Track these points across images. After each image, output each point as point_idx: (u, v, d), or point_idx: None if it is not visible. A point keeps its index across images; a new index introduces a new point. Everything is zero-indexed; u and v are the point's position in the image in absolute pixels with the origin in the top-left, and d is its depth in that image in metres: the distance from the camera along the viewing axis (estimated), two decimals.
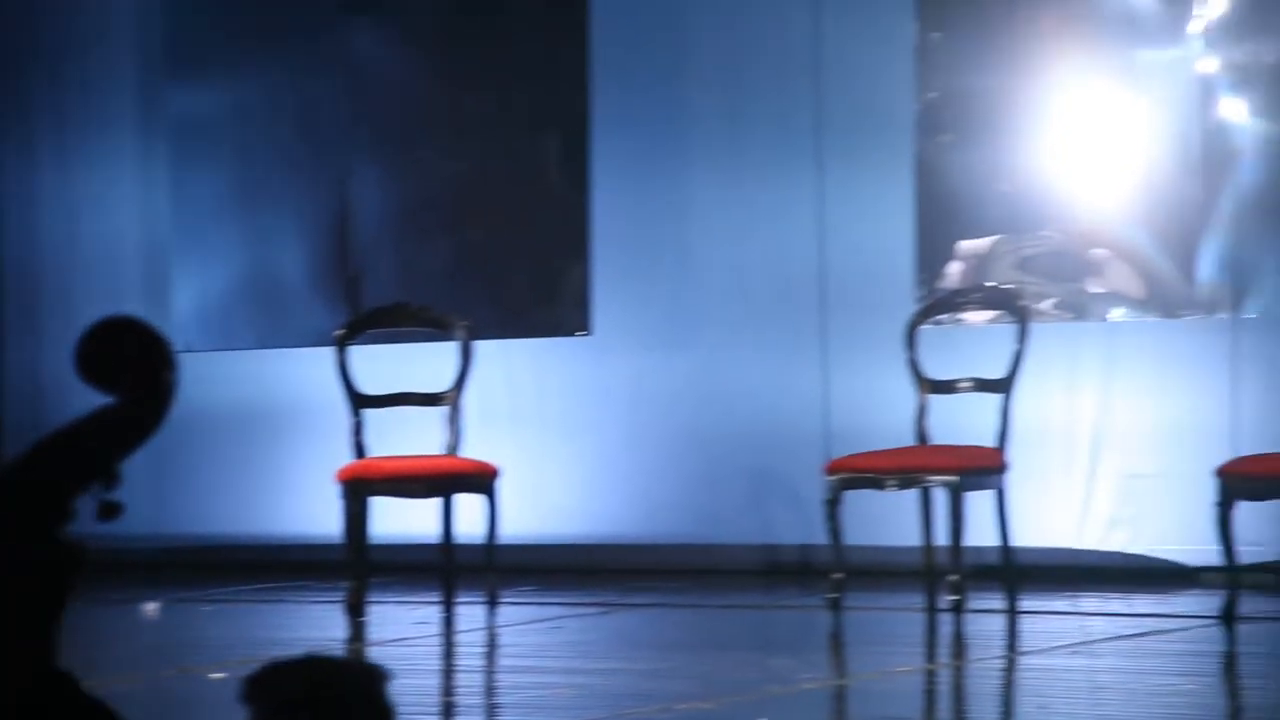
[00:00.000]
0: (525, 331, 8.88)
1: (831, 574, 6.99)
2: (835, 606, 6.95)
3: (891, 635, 6.97)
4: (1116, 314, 8.17)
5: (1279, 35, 7.86)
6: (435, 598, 7.43)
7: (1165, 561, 7.89)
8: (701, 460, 8.57)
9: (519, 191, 8.97)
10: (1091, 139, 8.13)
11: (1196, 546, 7.38)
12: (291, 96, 9.30)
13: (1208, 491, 6.42)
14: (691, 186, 8.63)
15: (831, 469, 7.04)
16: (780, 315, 8.44)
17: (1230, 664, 6.11)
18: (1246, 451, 6.66)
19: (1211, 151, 7.90)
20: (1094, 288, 8.18)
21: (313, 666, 2.40)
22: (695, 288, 8.61)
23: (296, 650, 2.48)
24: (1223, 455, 6.60)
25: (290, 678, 2.37)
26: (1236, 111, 7.92)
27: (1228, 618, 6.37)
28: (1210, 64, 7.93)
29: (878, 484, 6.97)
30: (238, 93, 9.39)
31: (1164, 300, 8.08)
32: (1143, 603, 7.43)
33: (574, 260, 8.81)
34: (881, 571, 7.75)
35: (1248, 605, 6.50)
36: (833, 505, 6.96)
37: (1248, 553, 6.59)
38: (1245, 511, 6.36)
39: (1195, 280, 7.98)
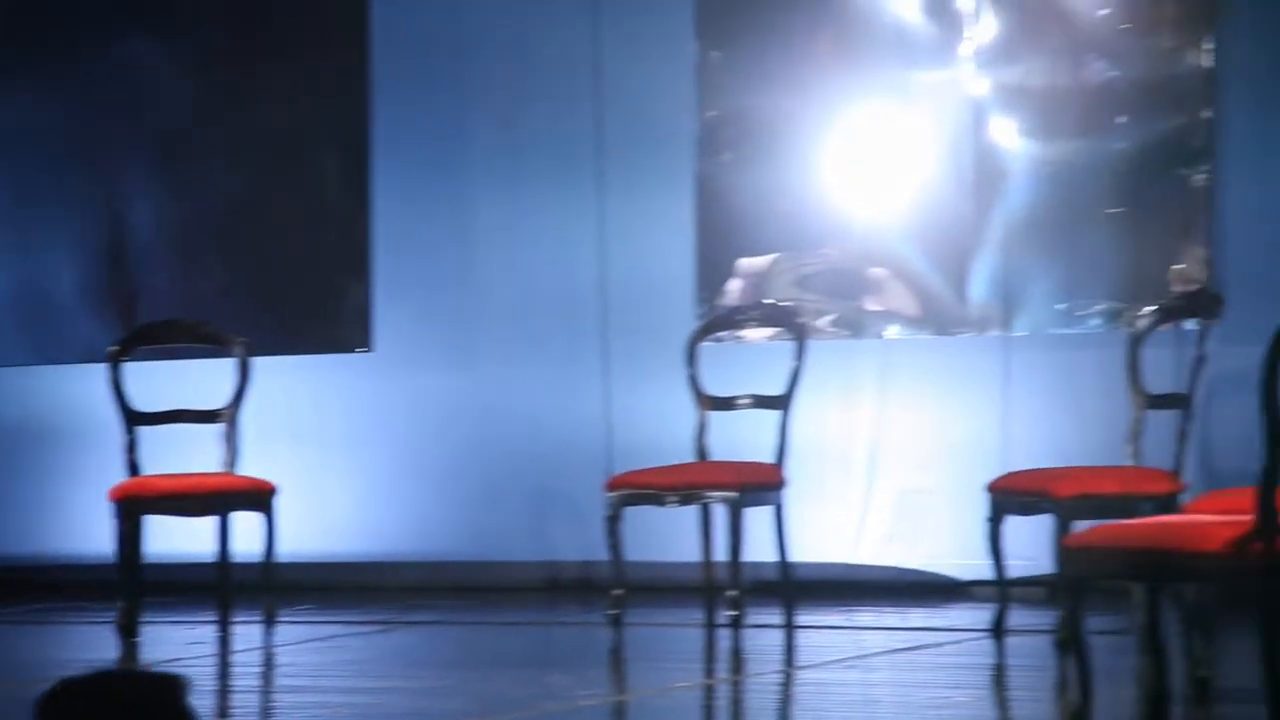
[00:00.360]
0: (305, 348, 8.80)
1: (612, 590, 7.00)
2: (616, 623, 6.96)
3: (671, 651, 7.00)
4: (892, 331, 8.29)
5: (1047, 58, 8.04)
6: (211, 617, 7.33)
7: (938, 576, 8.02)
8: (482, 477, 8.55)
9: (299, 208, 8.90)
10: (868, 158, 8.26)
11: (968, 561, 7.52)
12: (66, 110, 9.13)
13: (980, 506, 6.53)
14: (473, 205, 8.62)
15: (612, 485, 7.06)
16: (562, 333, 8.46)
17: (999, 676, 6.22)
18: (1017, 467, 6.79)
19: (983, 172, 8.06)
20: (870, 305, 8.30)
21: (109, 681, 2.34)
22: (477, 305, 8.60)
23: (68, 672, 2.42)
24: (994, 471, 6.72)
25: (87, 694, 2.31)
26: (1006, 133, 8.09)
27: (997, 631, 6.49)
28: (981, 85, 8.09)
29: (658, 500, 7.00)
30: (9, 105, 9.20)
31: (938, 318, 8.22)
32: (916, 616, 7.55)
33: (354, 277, 8.76)
34: (662, 587, 7.78)
35: (1017, 618, 6.62)
36: (613, 521, 6.98)
37: (1017, 567, 6.71)
38: (1014, 526, 6.48)
39: (968, 298, 8.13)
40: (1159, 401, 6.34)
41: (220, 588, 7.34)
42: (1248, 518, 4.20)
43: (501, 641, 7.46)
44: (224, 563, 7.34)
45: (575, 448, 8.35)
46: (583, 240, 8.43)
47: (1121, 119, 7.97)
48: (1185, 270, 7.82)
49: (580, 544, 8.15)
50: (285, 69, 8.86)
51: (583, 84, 8.42)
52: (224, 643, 7.16)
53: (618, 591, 6.96)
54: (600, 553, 7.21)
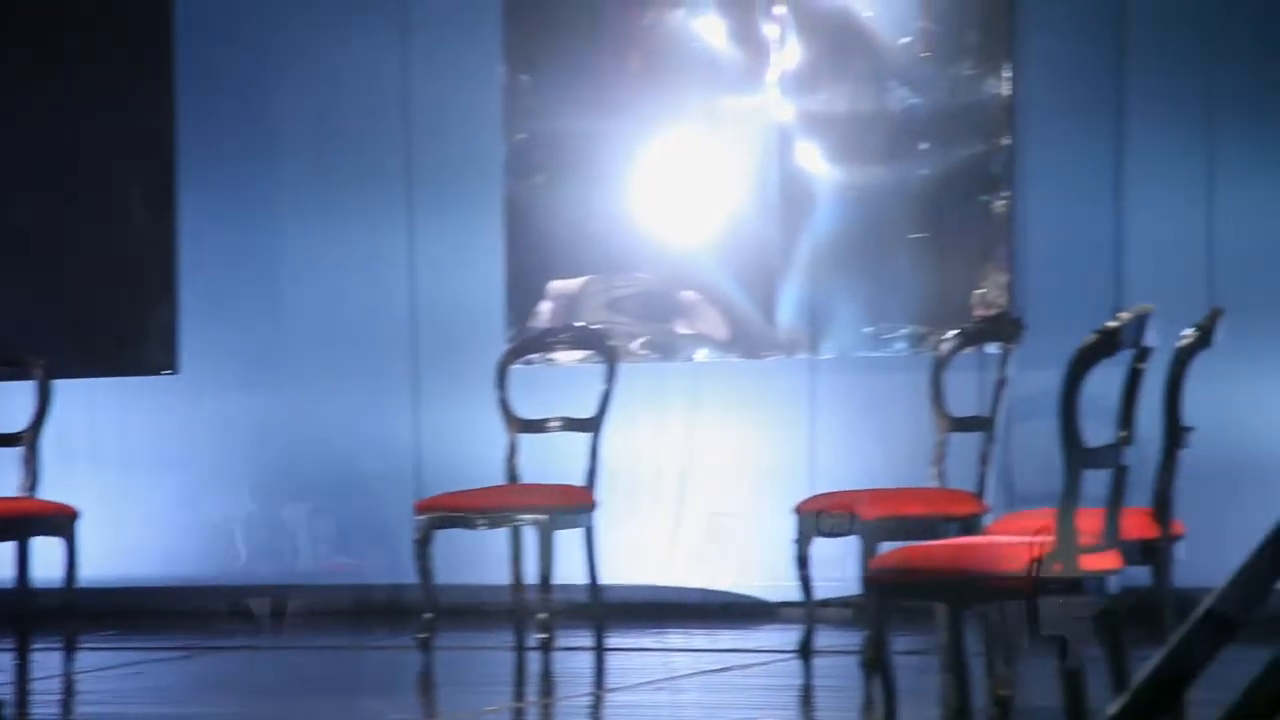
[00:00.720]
0: (109, 370, 8.66)
1: (422, 613, 6.97)
2: (425, 646, 6.93)
3: (481, 674, 6.98)
4: (702, 354, 8.35)
5: (851, 85, 8.15)
6: (10, 644, 7.18)
7: (747, 597, 8.09)
8: (291, 501, 8.48)
9: (103, 229, 8.76)
10: (677, 182, 8.32)
11: (776, 582, 7.59)
12: None
13: (788, 528, 6.59)
14: (281, 228, 8.56)
15: (421, 508, 7.02)
16: (371, 356, 8.41)
17: (806, 696, 6.28)
18: (823, 489, 6.86)
19: (789, 197, 8.16)
20: (680, 328, 8.35)
21: None
22: (286, 329, 8.53)
23: None
24: (802, 493, 6.78)
25: None
26: (812, 158, 8.19)
27: (805, 651, 6.55)
28: (787, 111, 8.19)
29: (468, 523, 6.97)
30: None
31: (747, 341, 8.29)
32: (725, 638, 7.60)
33: (160, 299, 8.64)
34: (472, 610, 7.76)
35: (824, 639, 6.69)
36: (423, 545, 6.93)
37: (824, 587, 6.78)
38: (821, 547, 6.55)
39: (776, 322, 8.21)
40: (962, 424, 6.45)
41: (19, 614, 7.18)
42: (1049, 538, 4.28)
43: (310, 666, 7.39)
44: (23, 589, 7.18)
45: (384, 471, 8.31)
46: (392, 263, 8.40)
47: (924, 145, 8.10)
48: (987, 294, 7.97)
49: (390, 567, 8.10)
50: (89, 88, 8.72)
51: (391, 107, 8.40)
52: (23, 670, 7.01)
53: (427, 615, 6.92)
54: (410, 576, 7.16)
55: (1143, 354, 4.45)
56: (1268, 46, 7.68)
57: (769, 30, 8.20)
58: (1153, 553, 5.01)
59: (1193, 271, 7.60)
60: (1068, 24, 7.96)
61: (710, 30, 8.27)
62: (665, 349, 8.36)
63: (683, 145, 8.32)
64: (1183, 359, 4.88)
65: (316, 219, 8.48)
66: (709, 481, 8.18)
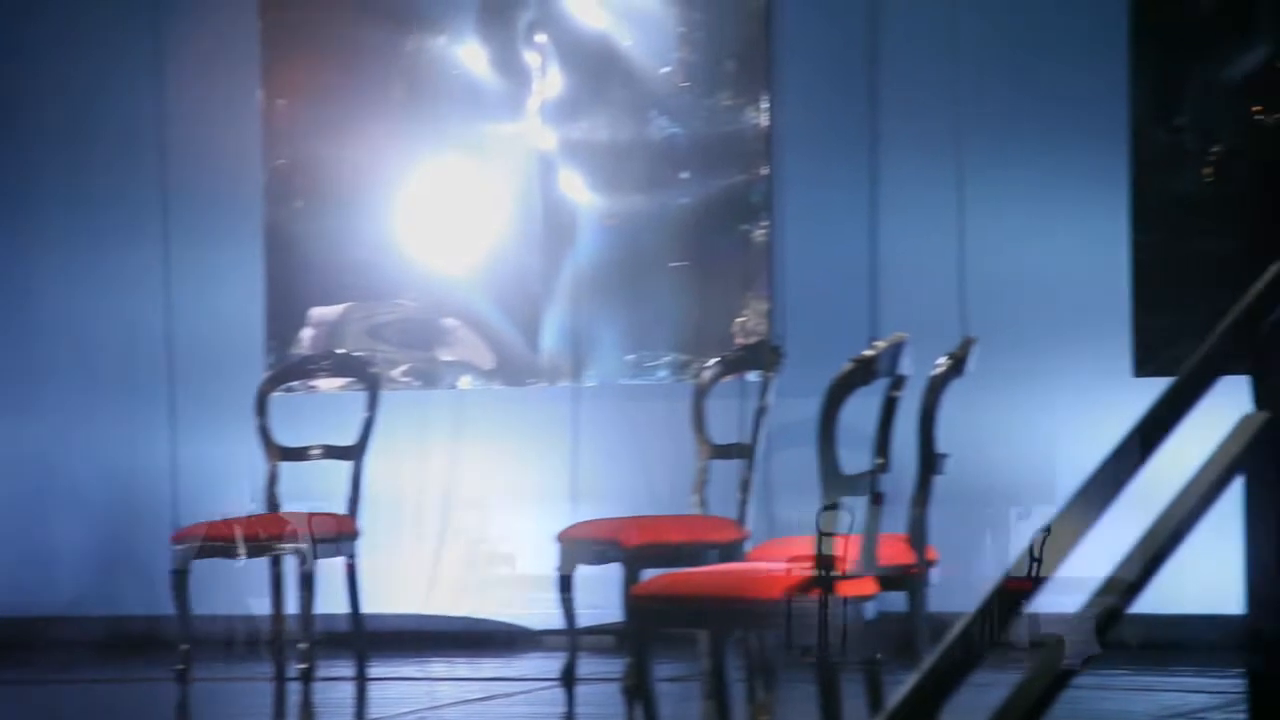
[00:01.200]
0: None
1: (180, 645, 6.86)
2: (183, 679, 6.81)
3: (241, 706, 6.89)
4: (465, 382, 8.34)
5: (611, 113, 8.21)
6: None
7: (510, 625, 8.09)
8: (44, 530, 8.30)
9: None
10: (439, 209, 8.30)
11: (540, 610, 7.60)
12: None
13: (551, 556, 6.60)
14: (35, 256, 8.39)
15: (178, 538, 6.91)
16: (127, 384, 8.28)
17: None
18: (586, 516, 6.88)
19: (551, 225, 8.19)
20: (443, 355, 8.33)
21: None
22: (38, 357, 8.36)
23: None
24: (565, 520, 6.80)
25: None
26: (574, 186, 8.23)
27: (568, 679, 6.56)
28: (548, 140, 8.22)
29: (227, 553, 6.87)
30: None
31: (510, 369, 8.30)
32: (488, 666, 7.59)
33: None
34: (232, 641, 7.65)
35: (587, 666, 6.70)
36: (180, 575, 6.82)
37: (587, 615, 6.80)
38: (584, 574, 6.57)
39: (539, 349, 8.23)
40: (723, 451, 6.51)
41: None
42: (807, 565, 4.35)
43: (64, 700, 7.24)
44: None
45: (141, 500, 8.18)
46: (149, 289, 8.27)
47: (684, 174, 8.19)
48: (747, 323, 8.07)
49: (146, 598, 7.96)
50: None
51: (147, 132, 8.28)
52: None
53: (185, 646, 6.81)
54: (167, 607, 7.05)
55: (898, 382, 4.54)
56: (1014, 81, 7.88)
57: (530, 58, 8.23)
58: (907, 579, 5.10)
59: (945, 300, 7.76)
60: (822, 58, 8.10)
61: (472, 58, 8.28)
62: (428, 376, 8.34)
63: (445, 172, 8.31)
64: (936, 387, 4.98)
65: (70, 248, 8.33)
66: (472, 509, 8.17)
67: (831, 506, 4.31)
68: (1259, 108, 7.61)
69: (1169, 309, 7.59)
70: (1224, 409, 3.16)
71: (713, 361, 6.74)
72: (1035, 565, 3.01)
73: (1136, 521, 3.03)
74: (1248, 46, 7.69)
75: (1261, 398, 4.81)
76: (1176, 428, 2.98)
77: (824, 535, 4.31)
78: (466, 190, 8.28)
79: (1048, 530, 3.00)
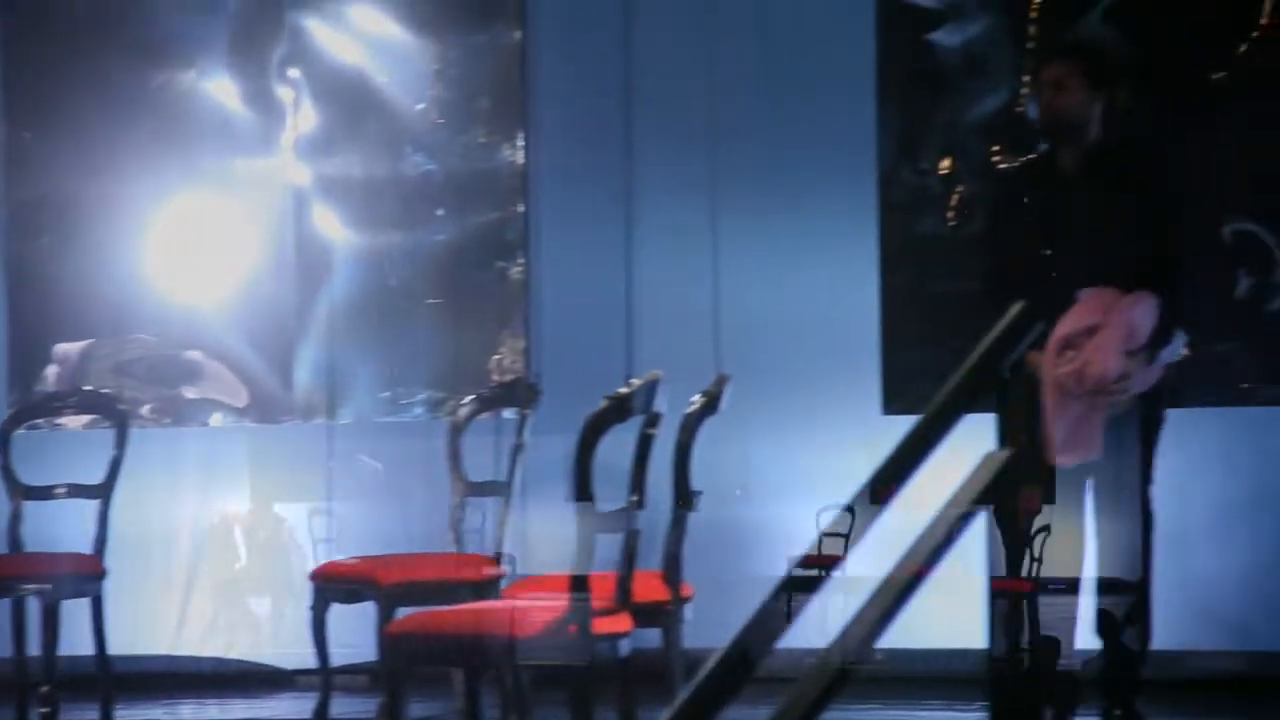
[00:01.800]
0: None
1: None
2: None
3: None
4: (216, 419, 8.23)
5: (366, 149, 8.18)
6: None
7: (262, 665, 7.98)
8: None
9: None
10: (190, 245, 8.19)
11: (292, 650, 7.51)
12: None
13: (304, 594, 6.54)
14: None
15: None
16: None
17: None
18: (341, 555, 6.83)
19: (305, 260, 8.12)
20: (193, 393, 8.22)
21: None
22: None
23: None
24: (319, 559, 6.75)
25: None
26: (328, 222, 8.18)
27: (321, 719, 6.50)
28: (302, 175, 8.16)
29: None
30: None
31: (263, 406, 8.20)
32: (239, 707, 7.49)
33: None
34: None
35: (340, 707, 6.64)
36: None
37: (341, 654, 6.74)
38: (338, 613, 6.52)
39: (293, 386, 8.15)
40: (479, 489, 6.51)
41: None
42: (562, 602, 4.36)
43: None
44: None
45: None
46: None
47: (440, 211, 8.18)
48: (503, 360, 8.07)
49: None
50: None
51: None
52: None
53: None
54: None
55: (653, 419, 4.58)
56: (769, 123, 8.00)
57: (283, 93, 8.17)
58: (662, 615, 5.14)
59: (700, 339, 7.84)
60: (578, 96, 8.15)
61: (223, 92, 8.20)
62: (178, 414, 8.22)
63: (196, 207, 8.21)
64: (691, 424, 5.04)
65: None
66: (223, 548, 8.06)
67: (587, 544, 4.33)
68: (998, 151, 7.80)
69: (915, 348, 7.74)
70: (966, 447, 3.24)
71: (469, 399, 6.74)
72: (788, 600, 3.06)
73: (886, 557, 3.09)
74: (989, 90, 7.89)
75: (1004, 436, 4.94)
76: (920, 466, 3.04)
77: (579, 572, 4.33)
78: (218, 225, 8.19)
79: (799, 566, 3.05)
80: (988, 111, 7.87)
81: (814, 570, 3.13)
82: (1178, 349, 5.64)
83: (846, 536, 3.13)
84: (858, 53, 7.88)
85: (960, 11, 7.85)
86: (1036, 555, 5.85)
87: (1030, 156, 6.29)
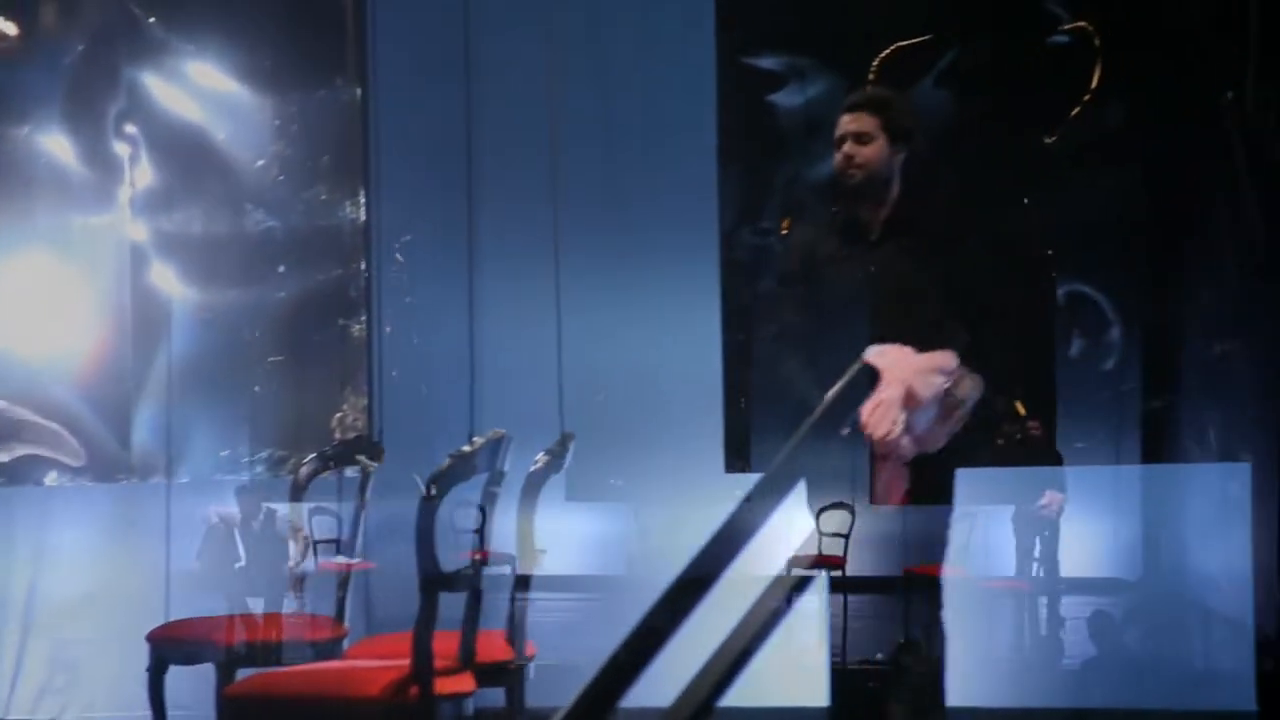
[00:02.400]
0: None
1: None
2: None
3: None
4: (52, 478, 8.11)
5: (206, 206, 8.12)
6: None
7: None
8: None
9: None
10: (24, 302, 8.08)
11: (129, 712, 7.40)
12: None
13: (141, 656, 6.45)
14: None
15: None
16: None
17: None
18: (179, 615, 6.75)
19: (144, 318, 8.04)
20: (28, 451, 8.09)
21: None
22: None
23: None
24: (156, 620, 6.66)
25: None
26: (167, 279, 8.11)
27: None
28: (140, 232, 8.09)
29: None
30: None
31: (100, 465, 8.10)
32: None
33: None
34: None
35: None
36: None
37: (179, 717, 6.66)
38: (176, 675, 6.44)
39: (131, 445, 8.06)
40: (322, 548, 6.46)
41: None
42: (405, 662, 4.35)
43: None
44: None
45: None
46: None
47: (281, 268, 8.13)
48: (346, 418, 8.03)
49: None
50: None
51: None
52: None
53: None
54: None
55: (497, 478, 4.59)
56: (612, 181, 8.05)
57: (120, 149, 8.10)
58: (505, 674, 5.13)
59: (544, 397, 7.85)
60: (420, 153, 8.16)
61: (58, 148, 8.11)
62: (11, 474, 8.09)
63: (31, 264, 8.10)
64: (535, 482, 5.04)
65: None
66: (58, 609, 7.93)
67: (430, 603, 4.31)
68: (838, 211, 7.93)
69: (757, 407, 7.80)
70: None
71: (310, 457, 6.70)
72: (629, 661, 3.07)
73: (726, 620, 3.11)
74: (829, 151, 8.00)
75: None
76: (761, 526, 3.07)
77: (423, 632, 4.32)
78: (54, 282, 8.08)
79: (640, 628, 3.05)
80: (828, 171, 7.95)
81: (658, 631, 3.14)
82: (968, 407, 5.70)
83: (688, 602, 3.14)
84: (699, 112, 7.95)
85: (800, 73, 7.95)
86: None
87: (835, 210, 6.29)
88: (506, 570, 5.02)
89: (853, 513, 7.63)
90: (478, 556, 4.51)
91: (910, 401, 4.88)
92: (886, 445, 5.01)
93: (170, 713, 6.48)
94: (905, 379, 4.90)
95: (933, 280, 5.61)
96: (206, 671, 6.20)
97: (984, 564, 7.60)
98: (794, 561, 3.14)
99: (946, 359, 4.95)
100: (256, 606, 6.69)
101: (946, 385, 4.75)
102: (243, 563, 6.74)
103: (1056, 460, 8.12)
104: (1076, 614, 7.70)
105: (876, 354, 5.15)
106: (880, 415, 4.95)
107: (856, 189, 5.67)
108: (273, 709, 4.59)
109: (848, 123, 5.67)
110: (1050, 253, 7.70)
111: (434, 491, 3.87)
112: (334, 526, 6.61)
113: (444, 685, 4.38)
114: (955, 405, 4.98)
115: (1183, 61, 7.78)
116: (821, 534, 5.54)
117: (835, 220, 5.80)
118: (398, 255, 8.10)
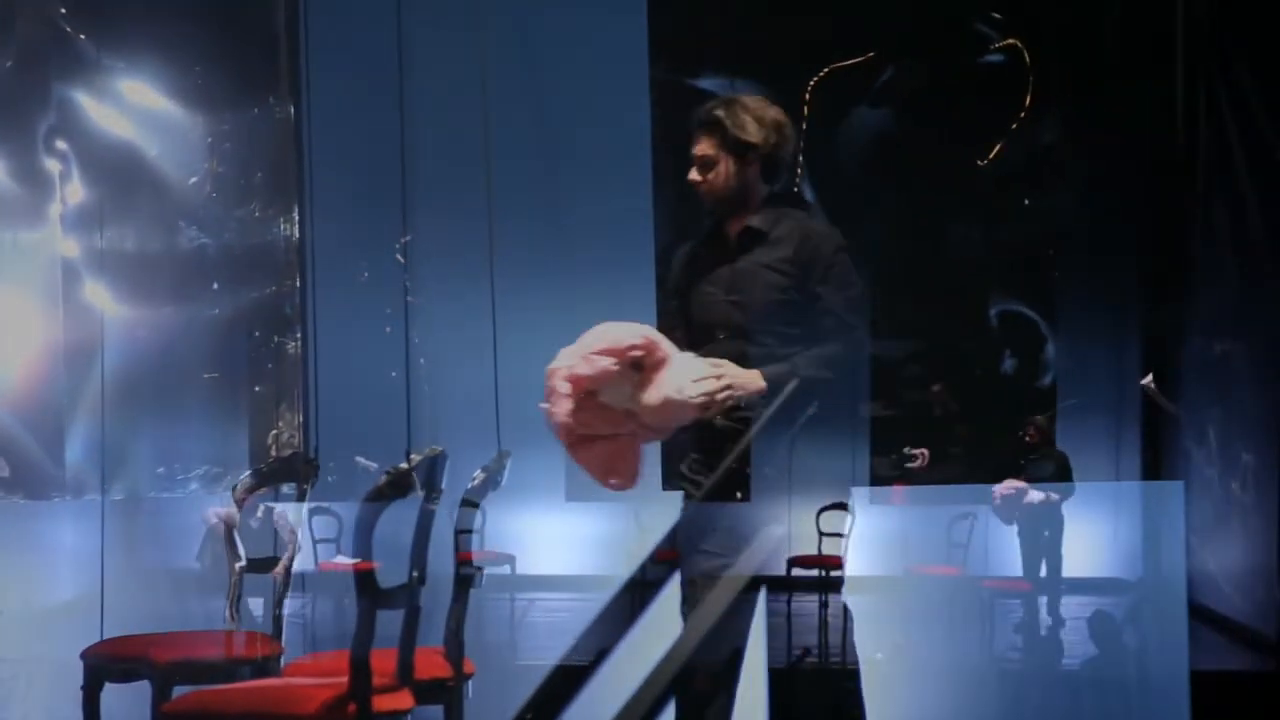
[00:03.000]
0: None
1: None
2: None
3: None
4: None
5: (139, 223, 8.10)
6: None
7: None
8: None
9: None
10: None
11: None
12: None
13: (76, 673, 6.41)
14: None
15: None
16: None
17: None
18: (114, 633, 6.72)
19: (76, 336, 8.01)
20: None
21: None
22: None
23: None
24: (91, 637, 6.62)
25: None
26: (100, 297, 8.08)
27: None
28: (72, 248, 8.06)
29: None
30: None
31: (32, 482, 8.05)
32: None
33: None
34: None
35: None
36: None
37: None
38: (111, 693, 6.41)
39: (64, 463, 8.02)
40: (257, 565, 6.44)
41: None
42: (343, 679, 4.35)
43: None
44: None
45: None
46: None
47: (215, 285, 8.12)
48: (282, 435, 8.02)
49: None
50: None
51: None
52: None
53: None
54: None
55: (434, 495, 4.59)
56: (546, 199, 8.08)
57: (51, 166, 8.07)
58: (444, 691, 5.13)
59: (482, 413, 7.86)
60: (353, 171, 8.17)
61: None
62: None
63: None
64: (472, 499, 5.05)
65: None
66: None
67: (367, 620, 4.31)
68: (707, 221, 8.03)
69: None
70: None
71: (246, 474, 6.68)
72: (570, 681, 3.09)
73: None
74: None
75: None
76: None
77: (360, 649, 4.32)
78: None
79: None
80: None
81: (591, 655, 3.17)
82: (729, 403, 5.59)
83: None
84: (633, 131, 7.99)
85: (734, 94, 8.01)
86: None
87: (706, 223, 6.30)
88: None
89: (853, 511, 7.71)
90: (415, 573, 4.52)
91: (576, 381, 4.85)
92: (553, 425, 5.00)
93: None
94: (570, 363, 4.88)
95: (768, 289, 5.55)
96: (143, 689, 6.17)
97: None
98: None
99: (622, 339, 4.88)
100: (258, 609, 6.63)
101: (614, 368, 4.71)
102: (243, 563, 6.65)
103: (1061, 461, 8.16)
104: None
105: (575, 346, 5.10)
106: (549, 394, 4.93)
107: (711, 208, 5.66)
108: None
109: (694, 145, 5.65)
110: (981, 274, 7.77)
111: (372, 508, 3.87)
112: (334, 527, 6.59)
113: (382, 703, 4.39)
114: (647, 384, 4.88)
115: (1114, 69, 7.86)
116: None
117: (704, 233, 5.79)
118: (398, 256, 8.09)
